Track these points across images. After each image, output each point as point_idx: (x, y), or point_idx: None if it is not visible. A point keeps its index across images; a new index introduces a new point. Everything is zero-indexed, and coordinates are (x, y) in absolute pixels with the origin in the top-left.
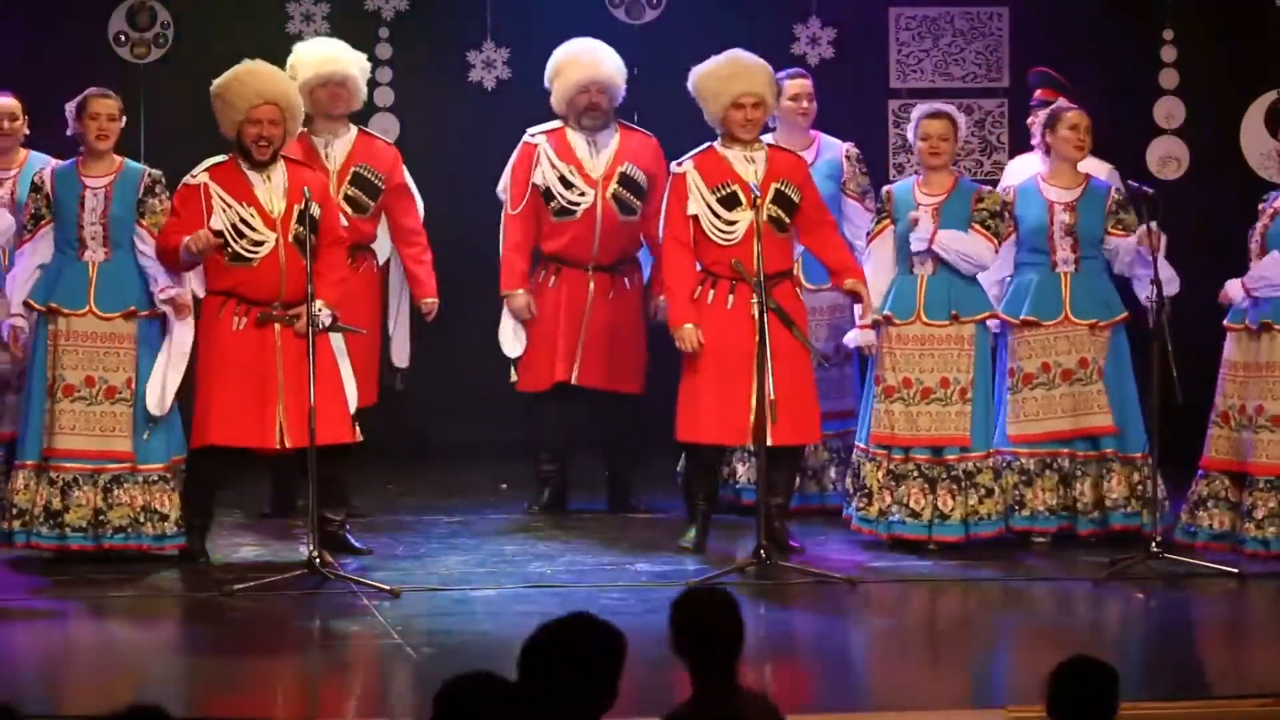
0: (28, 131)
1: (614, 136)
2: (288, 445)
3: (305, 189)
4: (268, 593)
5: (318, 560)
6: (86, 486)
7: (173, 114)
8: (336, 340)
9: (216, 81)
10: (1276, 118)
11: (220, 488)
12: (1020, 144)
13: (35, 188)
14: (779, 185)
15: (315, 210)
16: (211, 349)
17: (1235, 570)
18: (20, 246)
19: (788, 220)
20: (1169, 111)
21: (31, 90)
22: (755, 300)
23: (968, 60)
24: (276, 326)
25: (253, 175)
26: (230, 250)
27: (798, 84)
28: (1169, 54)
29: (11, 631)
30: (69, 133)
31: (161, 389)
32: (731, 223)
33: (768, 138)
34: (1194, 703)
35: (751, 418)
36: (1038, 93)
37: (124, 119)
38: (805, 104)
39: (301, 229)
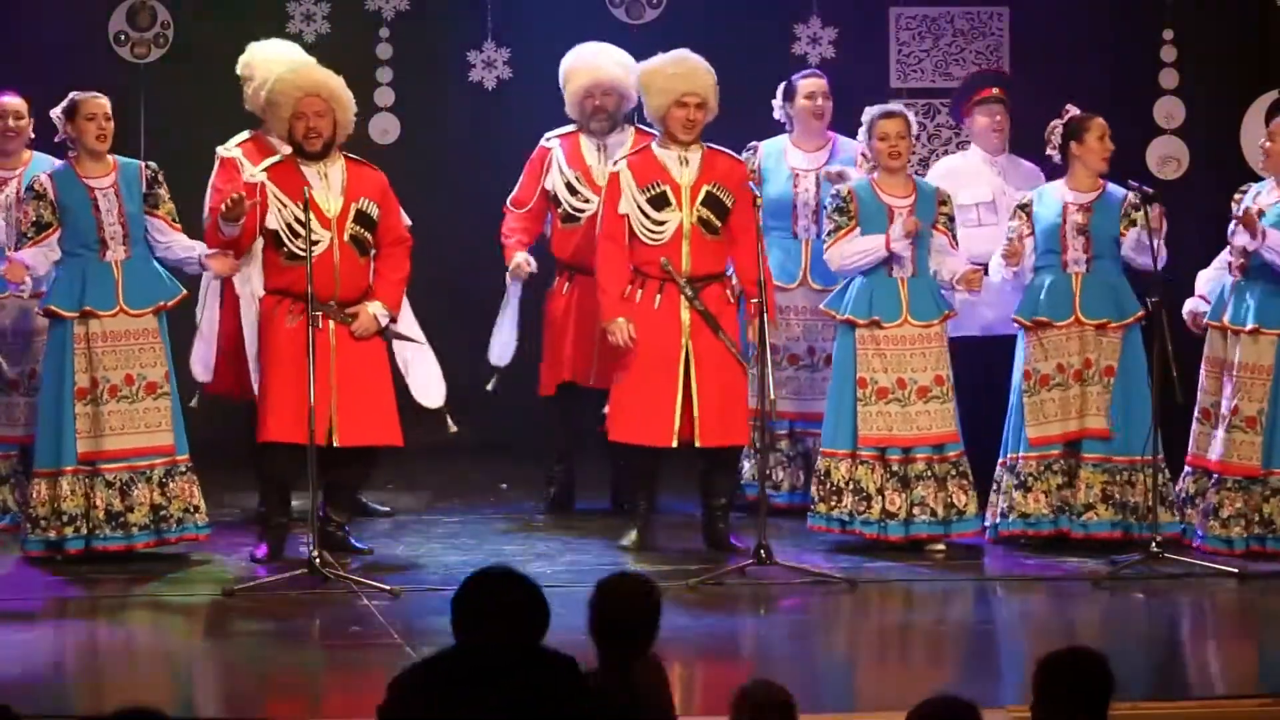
0: (32, 135)
1: (626, 141)
2: (335, 443)
3: (306, 189)
4: (268, 593)
5: (318, 560)
6: (142, 484)
7: (173, 114)
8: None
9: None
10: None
11: (292, 484)
12: (1017, 143)
13: (37, 194)
14: (710, 187)
15: (373, 210)
16: (269, 347)
17: (1235, 570)
18: (18, 250)
19: (718, 223)
20: (1169, 111)
21: (31, 90)
22: (684, 298)
23: (968, 60)
24: (332, 324)
25: (310, 174)
26: (285, 249)
27: (812, 83)
28: (1169, 54)
29: (12, 631)
30: (58, 138)
31: (201, 351)
32: (660, 223)
33: (777, 139)
34: (1194, 703)
35: (677, 420)
36: (992, 91)
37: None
38: (820, 102)
39: (358, 228)
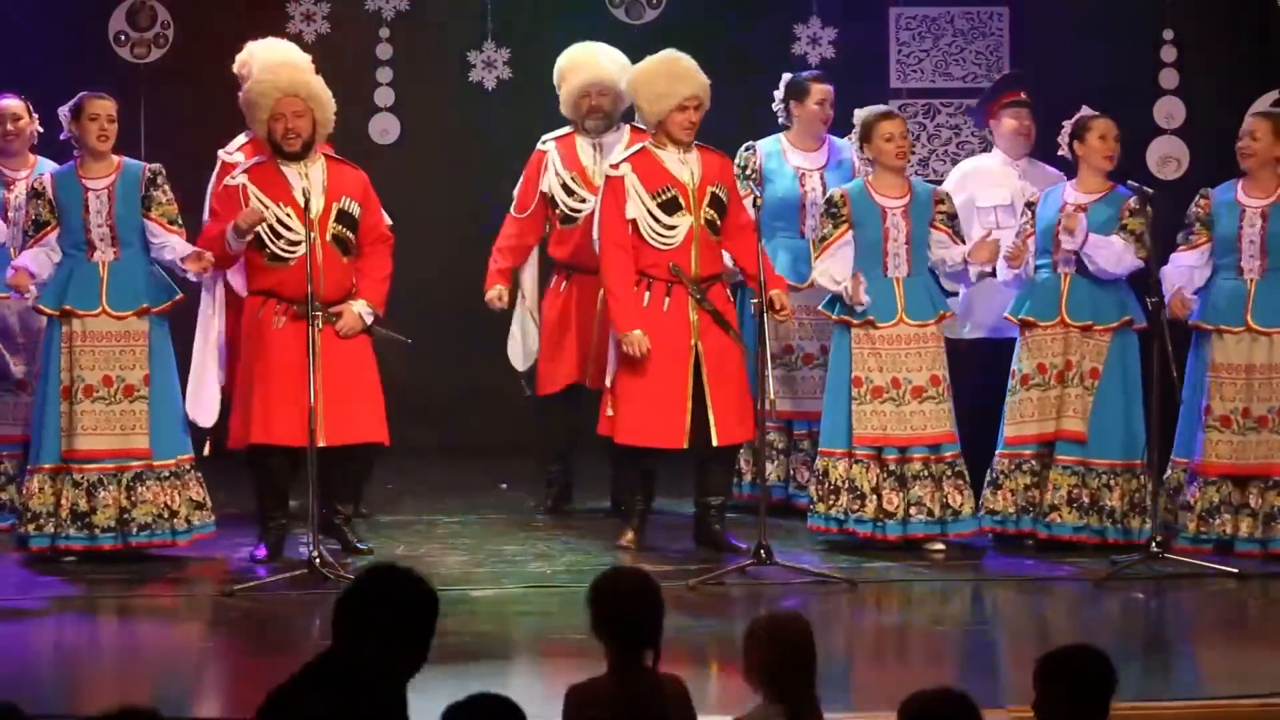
0: (41, 130)
1: (621, 141)
2: (321, 443)
3: (304, 189)
4: (267, 593)
5: (318, 560)
6: (111, 486)
7: (173, 114)
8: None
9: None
10: None
11: (286, 484)
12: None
13: (36, 194)
14: (714, 188)
15: (355, 209)
16: (252, 349)
17: (1235, 570)
18: (21, 253)
19: (720, 223)
20: (1169, 111)
21: (31, 90)
22: (692, 299)
23: (968, 60)
24: (317, 324)
25: (290, 174)
26: (268, 250)
27: (825, 88)
28: (1169, 54)
29: (11, 631)
30: (63, 136)
31: (198, 394)
32: (671, 227)
33: (772, 139)
34: (1194, 703)
35: (688, 420)
36: (1020, 94)
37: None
38: (829, 109)
39: (340, 227)
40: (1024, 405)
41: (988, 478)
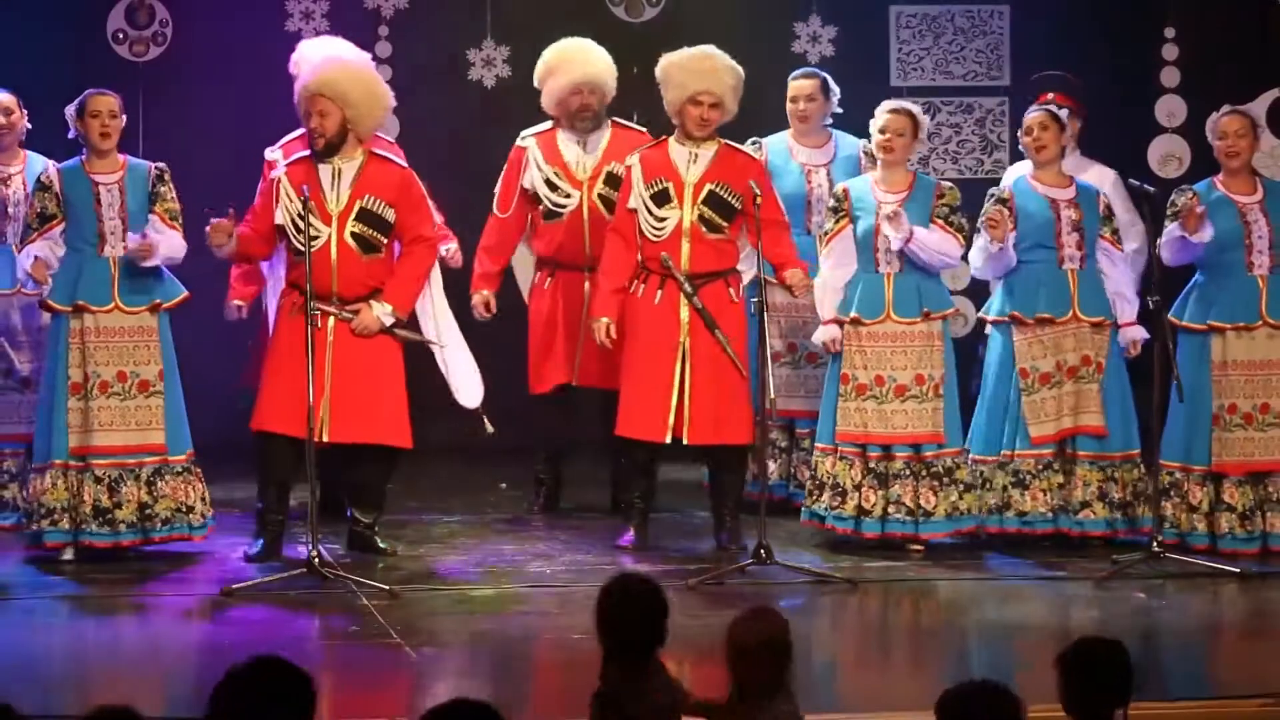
0: (29, 126)
1: (605, 136)
2: (326, 439)
3: (304, 187)
4: (267, 593)
5: (316, 560)
6: (131, 482)
7: (172, 112)
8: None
9: None
10: (1278, 116)
11: (286, 477)
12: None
13: (43, 187)
14: (714, 186)
15: (383, 208)
16: (274, 338)
17: (1236, 570)
18: (25, 246)
19: (721, 222)
20: (1170, 110)
21: (29, 88)
22: (684, 297)
23: (968, 58)
24: (331, 321)
25: (323, 170)
26: (292, 245)
27: (796, 85)
28: (1170, 52)
29: (10, 630)
30: (70, 135)
31: None
32: (661, 219)
33: (780, 135)
34: (1194, 703)
35: (671, 415)
36: (1053, 97)
37: (124, 117)
38: (802, 105)
39: (361, 226)
40: (1045, 404)
41: (1009, 478)
